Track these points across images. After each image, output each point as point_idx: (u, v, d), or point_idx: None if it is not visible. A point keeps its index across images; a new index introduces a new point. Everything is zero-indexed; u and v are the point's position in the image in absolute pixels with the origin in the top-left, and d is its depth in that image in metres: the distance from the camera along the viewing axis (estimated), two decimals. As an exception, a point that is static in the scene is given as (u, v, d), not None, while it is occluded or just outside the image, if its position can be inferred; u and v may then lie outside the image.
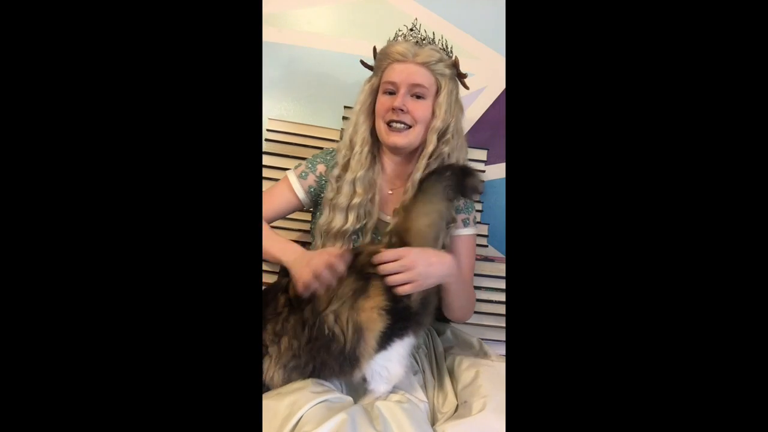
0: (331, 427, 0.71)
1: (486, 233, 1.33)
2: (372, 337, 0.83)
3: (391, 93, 1.01)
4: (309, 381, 0.84)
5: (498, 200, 1.42)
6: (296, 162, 1.16)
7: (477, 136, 1.48)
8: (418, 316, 0.86)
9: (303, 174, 1.08)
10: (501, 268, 1.20)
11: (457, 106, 1.05)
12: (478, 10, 1.47)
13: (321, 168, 1.08)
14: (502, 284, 1.25)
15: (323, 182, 1.08)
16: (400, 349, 0.86)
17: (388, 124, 1.01)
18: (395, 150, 1.04)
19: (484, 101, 1.49)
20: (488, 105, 1.49)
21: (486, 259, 1.30)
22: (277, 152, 1.33)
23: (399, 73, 1.00)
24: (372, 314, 0.83)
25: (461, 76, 1.07)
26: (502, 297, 1.23)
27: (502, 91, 1.49)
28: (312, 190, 1.08)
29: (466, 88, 1.09)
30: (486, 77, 1.48)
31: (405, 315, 0.84)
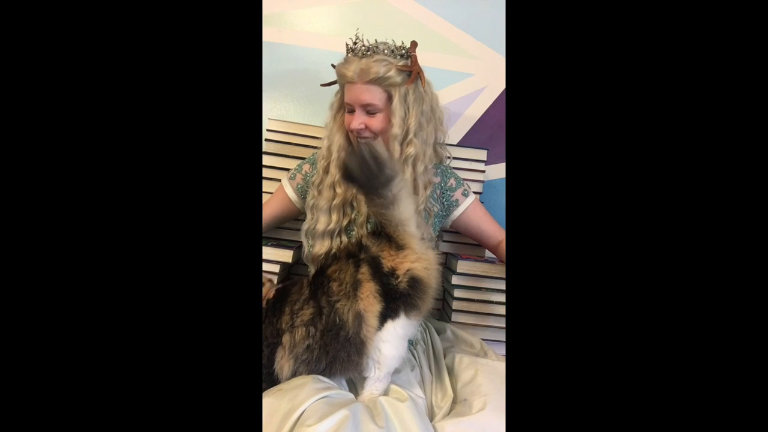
0: (333, 423, 0.71)
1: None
2: (372, 317, 0.88)
3: (352, 111, 1.05)
4: (310, 377, 0.85)
5: (498, 200, 1.42)
6: (296, 162, 1.18)
7: (477, 136, 1.48)
8: (407, 297, 0.88)
9: (292, 175, 1.19)
10: (501, 269, 1.20)
11: (416, 104, 1.04)
12: (478, 10, 1.47)
13: (306, 167, 1.18)
14: (502, 285, 1.25)
15: (309, 179, 1.15)
16: (392, 330, 0.88)
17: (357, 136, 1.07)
18: None
19: (484, 101, 1.49)
20: (488, 105, 1.49)
21: (486, 259, 1.30)
22: (277, 152, 1.33)
23: (351, 95, 1.04)
24: (369, 299, 0.88)
25: (419, 73, 1.03)
26: (502, 297, 1.23)
27: (502, 91, 1.49)
28: (299, 187, 1.17)
29: (423, 83, 1.05)
30: (486, 77, 1.48)
31: (394, 295, 0.88)
